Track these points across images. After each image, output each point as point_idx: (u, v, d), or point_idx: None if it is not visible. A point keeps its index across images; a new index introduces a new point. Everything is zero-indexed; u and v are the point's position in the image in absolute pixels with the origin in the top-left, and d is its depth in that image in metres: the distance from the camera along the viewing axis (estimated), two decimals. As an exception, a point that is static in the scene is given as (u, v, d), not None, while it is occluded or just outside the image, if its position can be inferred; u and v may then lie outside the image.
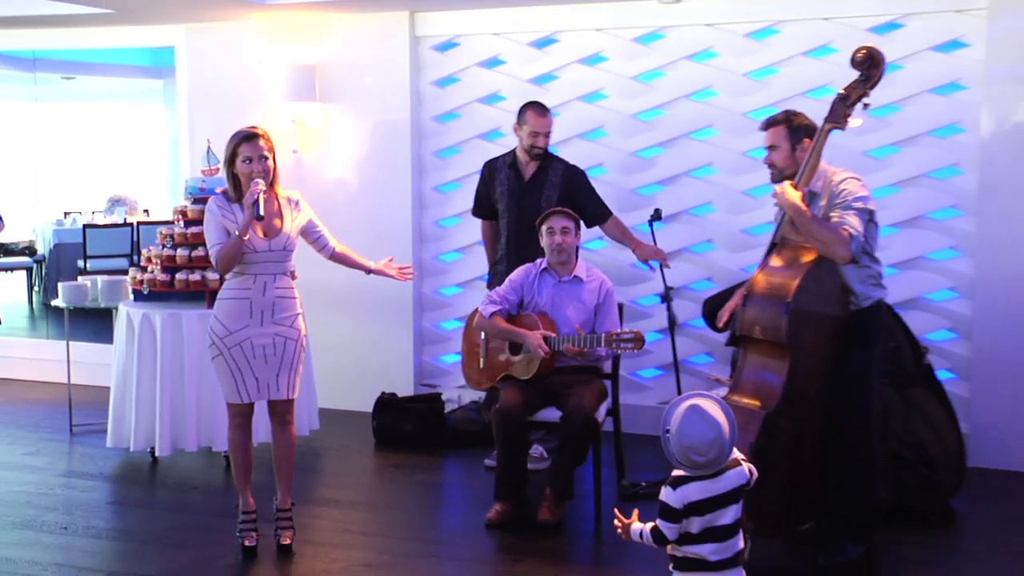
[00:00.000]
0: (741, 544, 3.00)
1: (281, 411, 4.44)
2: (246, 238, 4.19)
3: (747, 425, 3.81)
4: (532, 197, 5.41)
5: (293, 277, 4.56)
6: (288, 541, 4.43)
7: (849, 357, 4.10)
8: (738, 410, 3.78)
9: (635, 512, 3.07)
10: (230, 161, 4.26)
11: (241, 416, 4.39)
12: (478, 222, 5.83)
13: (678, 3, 5.92)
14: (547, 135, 5.41)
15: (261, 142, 4.24)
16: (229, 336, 4.26)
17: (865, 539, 4.20)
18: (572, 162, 5.55)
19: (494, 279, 5.56)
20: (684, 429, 2.89)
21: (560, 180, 5.43)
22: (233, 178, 4.27)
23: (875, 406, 4.21)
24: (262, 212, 4.22)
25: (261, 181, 4.21)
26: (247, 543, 4.40)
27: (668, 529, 2.93)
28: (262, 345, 4.30)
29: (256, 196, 4.16)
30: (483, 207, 5.68)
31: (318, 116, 6.70)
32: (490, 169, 5.60)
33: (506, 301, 4.92)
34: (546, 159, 5.48)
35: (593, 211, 5.44)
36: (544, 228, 4.92)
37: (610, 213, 5.49)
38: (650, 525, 2.98)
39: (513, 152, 5.54)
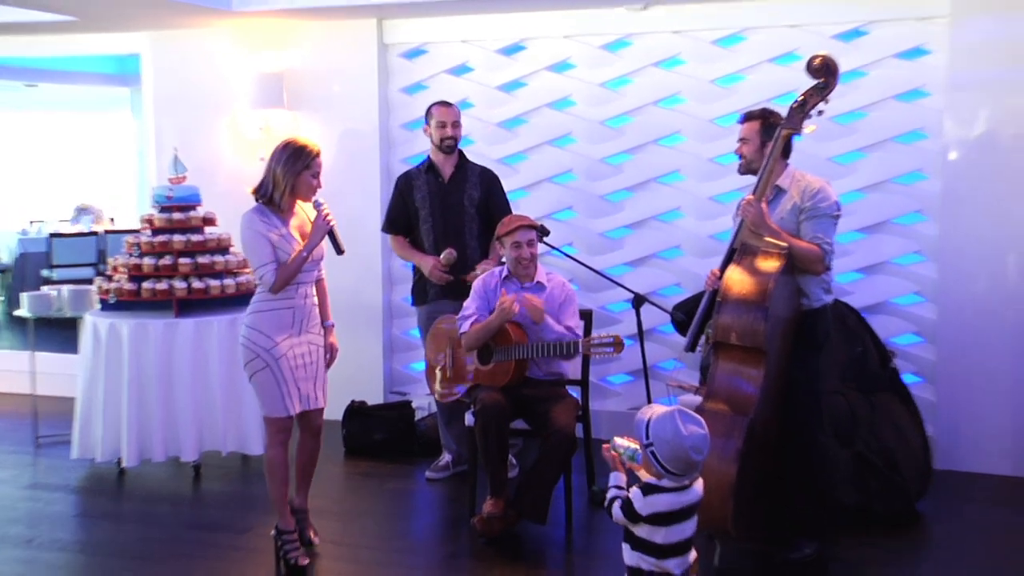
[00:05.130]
0: (694, 555, 3.08)
1: (317, 422, 4.45)
2: (306, 255, 4.18)
3: (730, 432, 3.88)
4: (454, 196, 5.40)
5: None
6: (317, 539, 4.53)
7: (800, 357, 4.17)
8: (718, 417, 3.84)
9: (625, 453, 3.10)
10: (298, 171, 4.17)
11: (285, 432, 4.30)
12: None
13: (645, 10, 5.92)
14: (455, 124, 5.39)
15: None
16: (275, 347, 4.20)
17: (818, 536, 4.26)
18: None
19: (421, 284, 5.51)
20: (684, 430, 2.92)
21: (479, 180, 5.45)
22: (291, 186, 4.19)
23: (824, 406, 4.28)
24: (343, 247, 4.30)
25: (326, 204, 4.23)
26: (302, 562, 4.32)
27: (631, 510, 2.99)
28: (301, 354, 4.27)
29: (332, 224, 4.21)
30: (397, 221, 5.56)
31: (286, 124, 6.66)
32: (406, 180, 5.53)
33: (479, 311, 4.88)
34: (462, 160, 5.48)
35: (502, 218, 5.43)
36: (509, 241, 4.86)
37: None
38: (624, 493, 3.03)
39: (428, 159, 5.52)
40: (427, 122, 5.46)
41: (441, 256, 5.29)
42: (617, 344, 4.54)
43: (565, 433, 4.53)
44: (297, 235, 4.22)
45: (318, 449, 4.51)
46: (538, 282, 4.91)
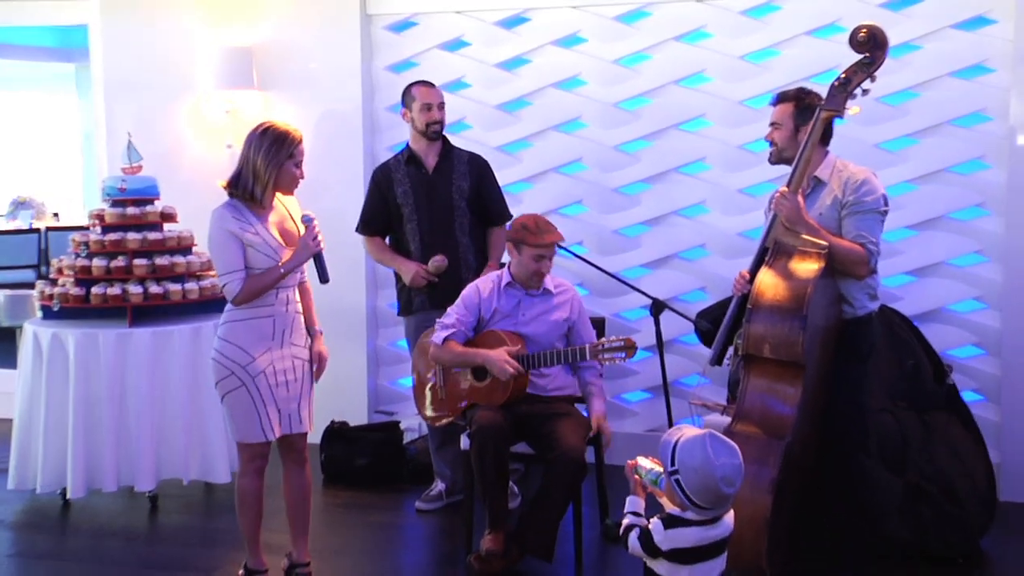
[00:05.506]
0: None
1: (299, 447, 4.38)
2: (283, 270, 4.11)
3: (764, 458, 3.86)
4: (441, 189, 5.37)
5: None
6: None
7: (843, 369, 4.18)
8: (749, 441, 3.85)
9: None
10: (282, 161, 4.10)
11: (261, 459, 4.27)
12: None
13: (665, -24, 5.93)
14: (441, 106, 5.38)
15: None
16: (252, 363, 4.12)
17: (861, 572, 4.26)
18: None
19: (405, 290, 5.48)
20: (715, 459, 2.93)
21: (468, 168, 5.43)
22: (275, 178, 4.12)
23: (870, 424, 4.30)
24: (328, 275, 4.24)
25: (318, 222, 4.19)
26: None
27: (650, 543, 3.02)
28: (283, 370, 4.21)
29: (321, 247, 4.16)
30: (374, 221, 5.51)
31: (256, 106, 6.65)
32: (384, 173, 5.49)
33: (461, 324, 4.85)
34: (447, 147, 5.46)
35: (498, 209, 5.43)
36: (533, 252, 4.78)
37: (511, 217, 5.42)
38: (642, 522, 3.08)
39: (406, 148, 5.48)
40: (406, 105, 5.41)
41: (429, 264, 5.22)
42: (628, 347, 4.56)
43: (573, 457, 4.49)
44: (276, 232, 4.14)
45: (309, 485, 4.44)
46: (545, 289, 4.91)
